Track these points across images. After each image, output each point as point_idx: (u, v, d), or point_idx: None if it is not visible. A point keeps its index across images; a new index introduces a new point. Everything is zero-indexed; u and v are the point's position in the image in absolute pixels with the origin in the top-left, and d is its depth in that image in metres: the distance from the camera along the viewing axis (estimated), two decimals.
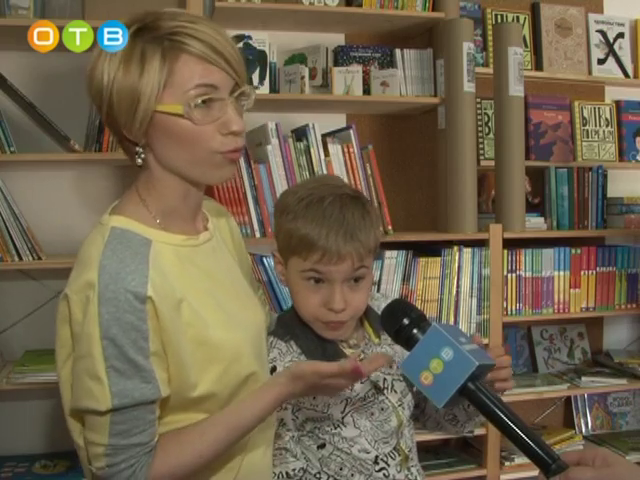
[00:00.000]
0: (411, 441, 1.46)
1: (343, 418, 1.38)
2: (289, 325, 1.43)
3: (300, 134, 2.39)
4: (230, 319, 1.26)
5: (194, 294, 1.20)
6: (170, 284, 1.17)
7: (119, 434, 1.12)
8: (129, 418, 1.12)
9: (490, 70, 2.62)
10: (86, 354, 1.11)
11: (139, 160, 1.20)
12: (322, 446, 1.38)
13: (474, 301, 2.49)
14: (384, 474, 1.39)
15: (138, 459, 1.14)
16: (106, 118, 1.20)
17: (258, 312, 1.36)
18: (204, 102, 1.15)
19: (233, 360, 1.22)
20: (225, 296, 1.28)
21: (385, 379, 1.42)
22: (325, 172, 2.35)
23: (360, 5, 2.46)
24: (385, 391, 1.41)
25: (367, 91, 2.53)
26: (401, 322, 1.08)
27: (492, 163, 2.62)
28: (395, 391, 1.42)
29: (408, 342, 1.06)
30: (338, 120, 2.65)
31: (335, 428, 1.37)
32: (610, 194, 2.81)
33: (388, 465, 1.40)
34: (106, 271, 1.11)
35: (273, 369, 1.37)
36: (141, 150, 1.19)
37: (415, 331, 1.06)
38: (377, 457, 1.39)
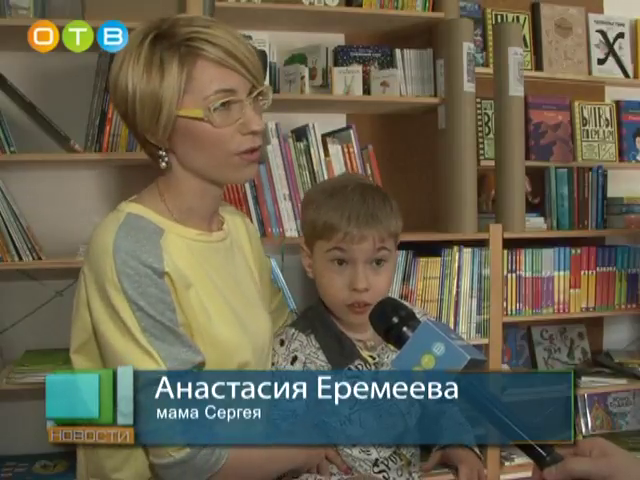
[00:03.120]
0: (414, 447, 1.47)
1: (351, 415, 1.39)
2: (311, 319, 1.46)
3: (300, 134, 2.39)
4: (235, 317, 1.27)
5: (202, 286, 1.22)
6: (180, 270, 1.19)
7: None
8: None
9: (490, 70, 2.62)
10: (124, 333, 1.13)
11: (163, 163, 1.23)
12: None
13: (474, 301, 2.49)
14: (384, 477, 1.40)
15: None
16: (131, 124, 1.22)
17: (263, 319, 1.37)
18: (223, 105, 1.19)
19: (231, 357, 1.23)
20: (233, 296, 1.29)
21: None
22: (325, 172, 2.35)
23: (360, 5, 2.46)
24: (393, 399, 1.42)
25: (367, 91, 2.52)
26: (390, 321, 1.09)
27: (492, 163, 2.62)
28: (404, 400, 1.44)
29: (398, 341, 1.06)
30: (338, 120, 2.65)
31: (341, 425, 1.38)
32: (610, 194, 2.80)
33: (389, 468, 1.41)
34: (121, 249, 1.15)
35: (294, 359, 1.40)
36: (164, 154, 1.22)
37: (405, 329, 1.07)
38: (377, 460, 1.41)
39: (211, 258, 1.27)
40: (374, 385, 1.40)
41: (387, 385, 1.42)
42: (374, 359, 1.43)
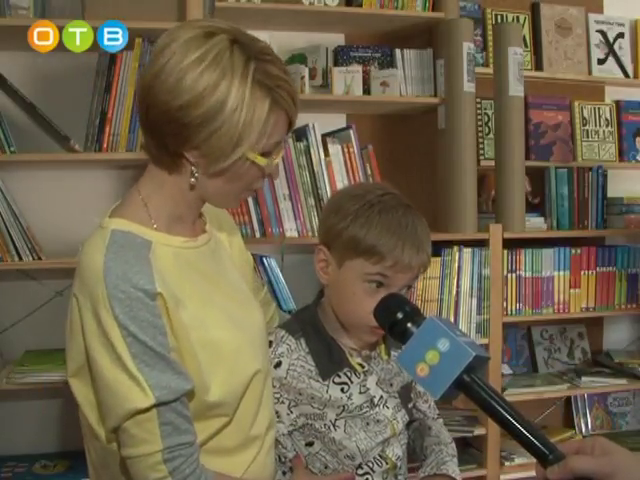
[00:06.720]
0: (401, 451, 1.47)
1: (336, 421, 1.39)
2: (302, 322, 1.44)
3: (300, 134, 2.38)
4: (230, 319, 1.26)
5: (192, 297, 1.20)
6: (171, 286, 1.17)
7: (170, 434, 1.12)
8: (173, 414, 1.12)
9: (490, 70, 2.62)
10: (114, 359, 1.11)
11: (192, 179, 1.20)
12: (310, 444, 1.41)
13: (474, 301, 2.49)
14: (367, 479, 1.41)
15: (197, 464, 1.14)
16: (184, 137, 1.16)
17: (256, 313, 1.37)
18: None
19: (234, 359, 1.23)
20: (223, 297, 1.28)
21: (382, 396, 1.43)
22: (325, 172, 2.35)
23: (360, 5, 2.46)
24: (378, 407, 1.42)
25: (367, 91, 2.53)
26: (395, 316, 1.08)
27: (492, 163, 2.62)
28: (387, 407, 1.44)
29: (403, 336, 1.05)
30: (338, 120, 2.65)
31: (326, 428, 1.39)
32: (610, 194, 2.81)
33: (373, 471, 1.42)
34: (112, 272, 1.11)
35: (278, 364, 1.39)
36: (196, 170, 1.19)
37: (409, 325, 1.06)
38: (361, 464, 1.41)
39: (199, 264, 1.26)
40: (360, 392, 1.40)
41: (374, 393, 1.42)
42: (363, 367, 1.42)
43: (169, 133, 1.16)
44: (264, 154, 1.19)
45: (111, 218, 1.21)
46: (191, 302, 1.19)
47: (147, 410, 1.10)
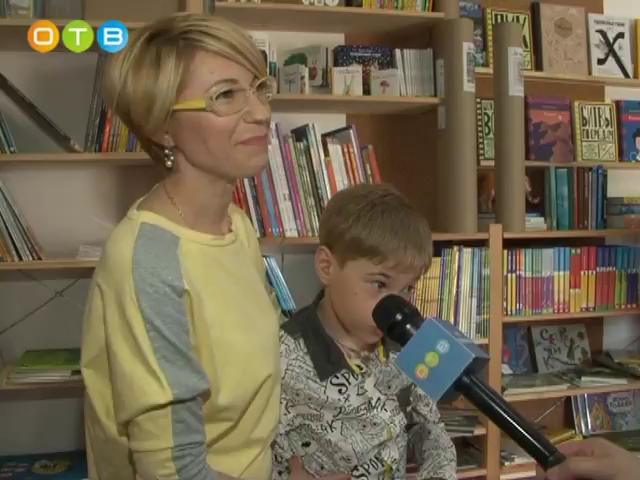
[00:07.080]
0: (398, 454, 1.46)
1: (332, 422, 1.39)
2: (302, 323, 1.44)
3: (300, 134, 2.39)
4: (248, 322, 1.26)
5: (215, 295, 1.20)
6: (194, 284, 1.17)
7: (182, 432, 1.11)
8: (187, 412, 1.12)
9: (490, 70, 2.62)
10: (134, 352, 1.10)
11: (169, 162, 1.20)
12: (307, 444, 1.41)
13: (474, 301, 2.49)
14: None
15: (204, 464, 1.14)
16: (127, 123, 1.21)
17: (272, 317, 1.37)
18: (225, 94, 1.16)
19: (246, 363, 1.23)
20: (245, 299, 1.28)
21: (379, 398, 1.43)
22: (325, 172, 2.35)
23: (360, 5, 2.46)
24: (375, 409, 1.42)
25: (367, 91, 2.52)
26: (394, 318, 1.08)
27: (492, 163, 2.62)
28: (385, 410, 1.44)
29: (402, 338, 1.05)
30: (338, 120, 2.65)
31: (323, 430, 1.39)
32: (610, 194, 2.80)
33: (369, 473, 1.42)
34: (141, 265, 1.11)
35: None
36: (170, 152, 1.20)
37: (408, 326, 1.06)
38: (357, 465, 1.41)
39: (225, 262, 1.26)
40: (358, 394, 1.41)
41: (372, 395, 1.42)
42: (361, 369, 1.42)
43: (130, 129, 1.23)
44: (217, 97, 1.15)
45: (139, 211, 1.21)
46: (213, 301, 1.20)
47: (163, 406, 1.10)
